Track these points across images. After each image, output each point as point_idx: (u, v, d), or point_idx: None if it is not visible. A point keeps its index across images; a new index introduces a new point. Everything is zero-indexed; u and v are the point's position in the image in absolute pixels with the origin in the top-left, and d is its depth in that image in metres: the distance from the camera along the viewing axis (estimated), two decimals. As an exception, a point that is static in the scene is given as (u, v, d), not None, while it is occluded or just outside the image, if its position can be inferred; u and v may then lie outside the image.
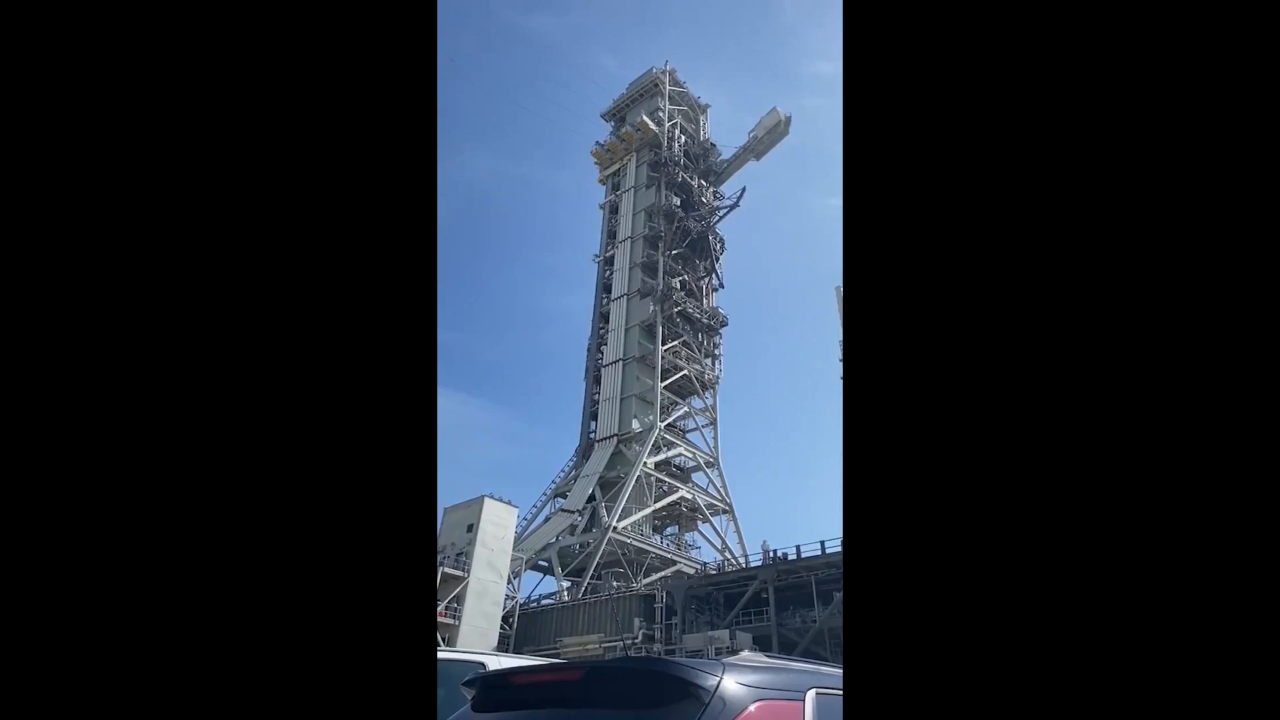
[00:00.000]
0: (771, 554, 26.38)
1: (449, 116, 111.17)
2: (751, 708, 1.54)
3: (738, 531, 37.92)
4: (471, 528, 26.63)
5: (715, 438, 41.14)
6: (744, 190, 45.89)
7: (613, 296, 43.38)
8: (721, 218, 45.89)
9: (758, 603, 24.45)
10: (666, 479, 37.51)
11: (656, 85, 49.33)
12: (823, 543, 23.97)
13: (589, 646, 25.04)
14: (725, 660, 1.75)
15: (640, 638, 24.30)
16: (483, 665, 3.99)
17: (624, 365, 40.15)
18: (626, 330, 41.25)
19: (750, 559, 31.44)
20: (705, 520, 38.92)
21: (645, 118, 46.59)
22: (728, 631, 22.91)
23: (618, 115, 50.84)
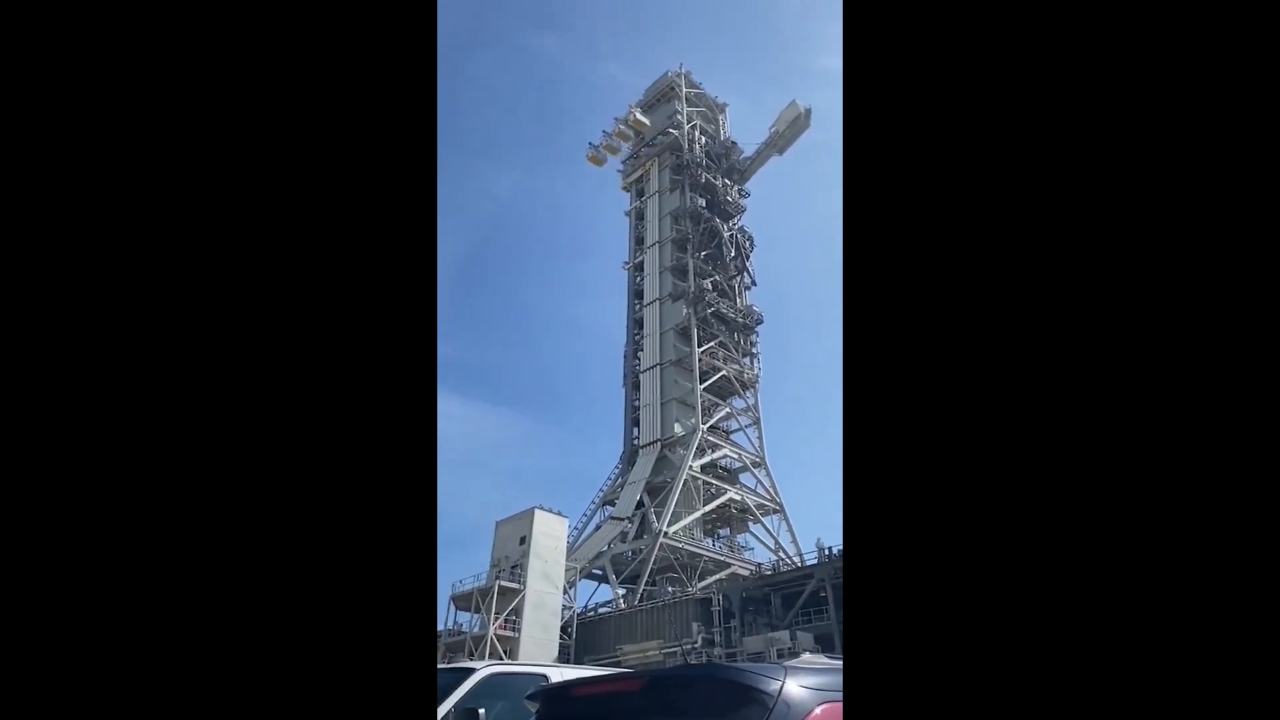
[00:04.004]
0: (827, 551, 25.84)
1: (471, 137, 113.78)
2: (817, 710, 1.51)
3: (790, 530, 37.33)
4: (524, 540, 26.96)
5: (760, 437, 40.65)
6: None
7: (645, 302, 43.43)
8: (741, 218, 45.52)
9: (816, 601, 23.96)
10: (714, 481, 37.21)
11: (673, 88, 49.34)
12: (879, 536, 23.26)
13: (649, 653, 24.98)
14: (787, 664, 1.73)
15: (700, 642, 24.10)
16: (545, 677, 4.03)
17: (661, 370, 40.09)
18: (661, 335, 41.20)
19: (805, 557, 30.88)
20: (756, 521, 38.42)
21: (639, 116, 46.70)
22: (787, 632, 22.51)
23: (636, 122, 51.05)
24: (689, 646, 23.69)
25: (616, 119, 48.72)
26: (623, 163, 49.79)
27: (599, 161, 48.87)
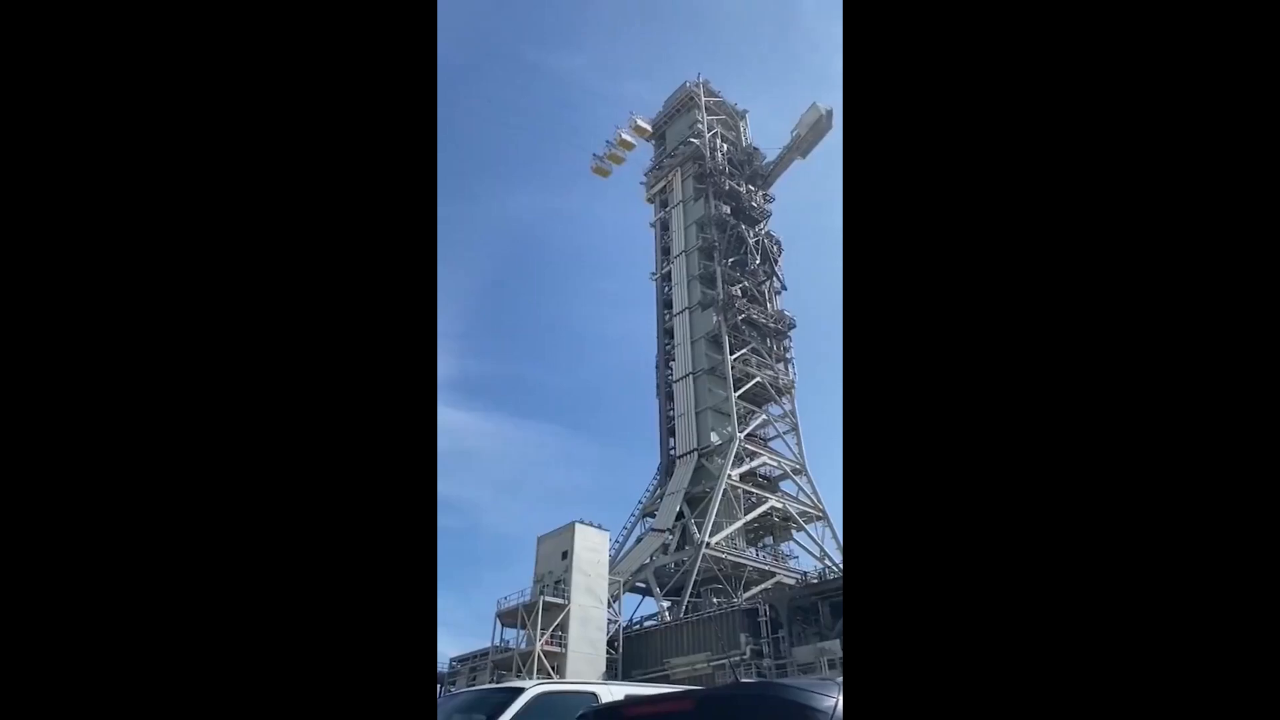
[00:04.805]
0: (874, 556, 25.07)
1: (489, 160, 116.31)
2: (874, 729, 1.47)
3: (835, 538, 36.43)
4: (566, 555, 27.04)
5: (799, 443, 40.00)
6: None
7: (674, 312, 43.45)
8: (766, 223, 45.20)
9: (866, 609, 23.27)
10: (754, 490, 36.75)
11: (692, 98, 49.57)
12: (929, 540, 22.50)
13: (697, 666, 24.67)
14: (840, 679, 1.69)
15: (748, 654, 23.70)
16: (594, 696, 4.02)
17: (694, 379, 39.94)
18: (693, 343, 41.10)
19: (852, 563, 30.09)
20: (800, 529, 37.74)
21: (640, 122, 46.71)
22: (838, 641, 21.97)
23: (657, 134, 51.40)
24: (738, 659, 23.32)
25: (617, 128, 48.54)
26: (645, 174, 50.10)
27: (604, 173, 48.45)
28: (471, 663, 28.40)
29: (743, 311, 40.66)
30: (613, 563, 31.15)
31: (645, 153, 51.47)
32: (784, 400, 41.08)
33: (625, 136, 47.41)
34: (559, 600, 25.75)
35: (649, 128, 47.17)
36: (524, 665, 24.62)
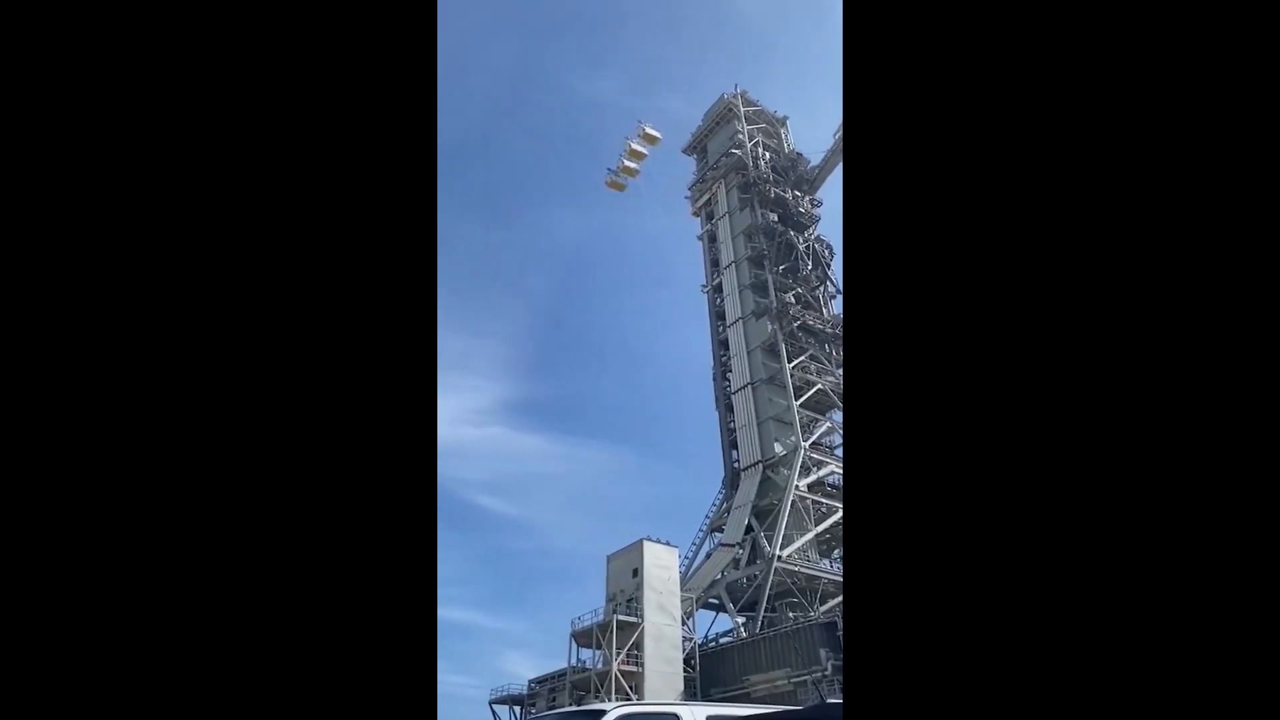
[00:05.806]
0: (958, 564, 23.77)
1: (535, 183, 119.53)
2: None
3: (913, 544, 34.81)
4: (636, 572, 27.03)
5: (866, 447, 38.59)
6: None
7: (728, 323, 43.13)
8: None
9: (954, 620, 22.03)
10: (823, 500, 35.68)
11: (730, 110, 49.57)
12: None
13: (778, 683, 24.03)
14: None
15: (829, 669, 22.89)
16: (676, 718, 4.05)
17: (753, 389, 39.39)
18: (749, 353, 40.62)
19: (934, 572, 28.61)
20: (874, 536, 36.27)
21: (649, 130, 45.29)
22: (926, 655, 20.88)
23: (698, 147, 51.57)
24: (820, 675, 22.55)
25: (626, 139, 47.04)
26: (689, 189, 50.20)
27: (619, 186, 47.08)
28: (550, 684, 28.66)
29: (798, 318, 39.91)
30: (683, 579, 30.86)
31: (671, 164, 51.60)
32: (848, 405, 39.81)
33: (635, 146, 46.12)
34: (632, 619, 25.71)
35: (658, 135, 46.39)
36: (601, 685, 24.65)
